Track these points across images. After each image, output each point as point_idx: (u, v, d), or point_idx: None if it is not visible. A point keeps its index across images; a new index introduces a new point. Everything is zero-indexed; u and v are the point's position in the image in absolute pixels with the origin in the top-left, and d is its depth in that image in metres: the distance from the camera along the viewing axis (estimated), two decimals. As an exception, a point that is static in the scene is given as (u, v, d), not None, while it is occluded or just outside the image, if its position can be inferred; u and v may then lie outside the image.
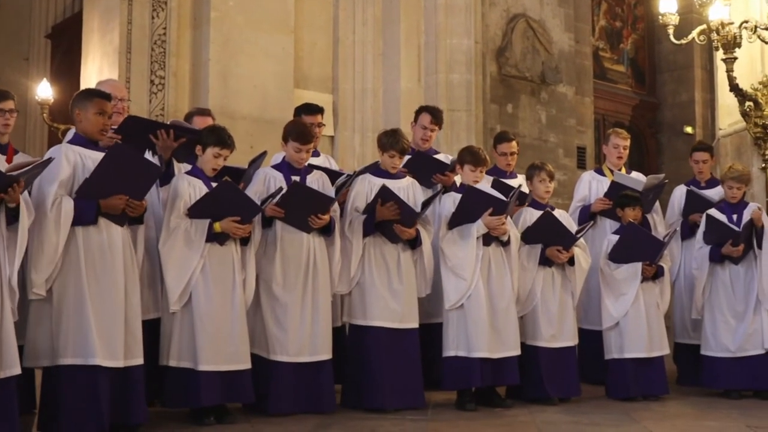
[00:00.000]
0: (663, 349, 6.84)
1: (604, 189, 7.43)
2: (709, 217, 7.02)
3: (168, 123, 5.98)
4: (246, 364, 5.52)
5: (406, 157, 6.60)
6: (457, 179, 6.73)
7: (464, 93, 9.80)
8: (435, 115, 7.05)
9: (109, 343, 4.89)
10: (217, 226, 5.43)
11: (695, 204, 7.37)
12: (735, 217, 6.98)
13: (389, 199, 6.03)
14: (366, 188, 6.20)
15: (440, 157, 7.03)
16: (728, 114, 8.44)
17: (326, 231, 5.97)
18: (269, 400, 5.72)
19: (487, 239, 6.24)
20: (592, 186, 7.59)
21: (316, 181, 6.04)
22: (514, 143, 7.25)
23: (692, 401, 6.72)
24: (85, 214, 4.93)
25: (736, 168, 7.17)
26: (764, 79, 7.84)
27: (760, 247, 6.90)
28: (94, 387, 4.85)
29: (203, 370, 5.34)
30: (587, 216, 7.41)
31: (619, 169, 7.55)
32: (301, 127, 6.10)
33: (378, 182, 6.19)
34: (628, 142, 7.66)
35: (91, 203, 4.94)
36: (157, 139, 5.64)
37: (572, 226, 6.76)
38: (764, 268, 6.87)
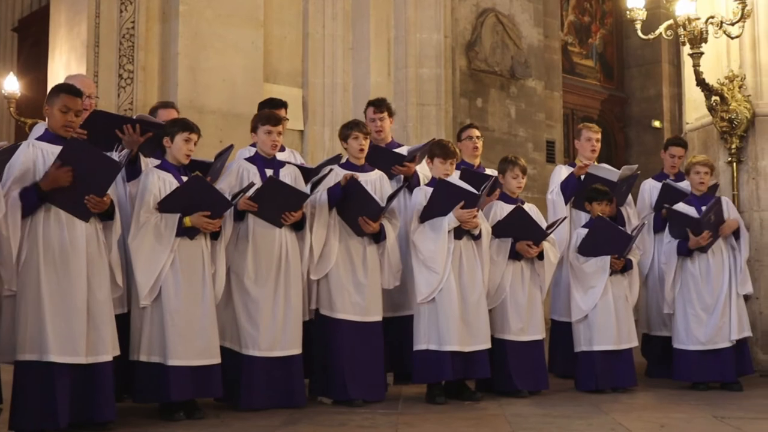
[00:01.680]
0: (632, 341, 6.89)
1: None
2: (670, 210, 7.09)
3: (134, 118, 5.94)
4: (216, 359, 5.51)
5: None
6: (419, 169, 6.75)
7: (434, 87, 9.81)
8: (376, 104, 7.02)
9: (67, 339, 4.88)
10: (187, 221, 5.42)
11: (671, 196, 7.39)
12: (704, 209, 7.03)
13: (356, 191, 6.03)
14: (334, 180, 6.19)
15: (402, 150, 7.02)
16: (695, 108, 8.48)
17: (298, 226, 5.96)
18: (241, 394, 5.72)
19: (459, 232, 6.26)
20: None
21: (288, 175, 6.04)
22: (475, 129, 7.28)
23: (660, 393, 6.78)
24: (28, 197, 4.89)
25: (700, 155, 7.27)
26: (730, 73, 7.89)
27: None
28: (50, 383, 4.83)
29: (172, 365, 5.33)
30: (574, 183, 7.38)
31: (593, 163, 7.58)
32: (267, 111, 6.19)
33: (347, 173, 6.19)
34: (599, 136, 7.71)
35: (31, 185, 4.92)
36: (124, 133, 5.61)
37: (542, 221, 6.79)
38: (741, 258, 7.02)
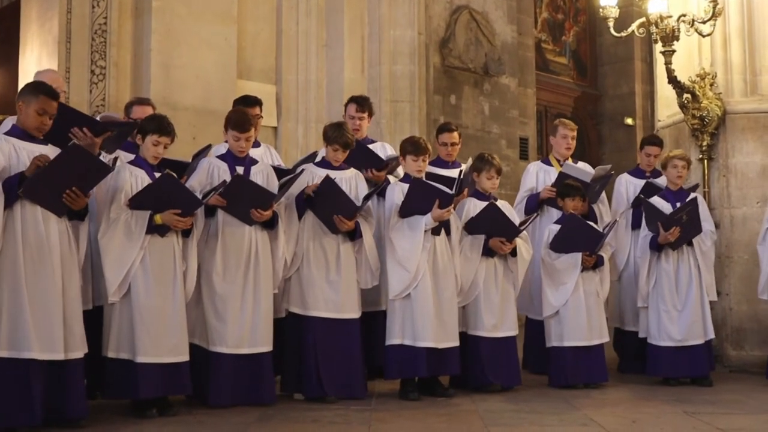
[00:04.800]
0: (602, 337, 6.91)
1: (552, 179, 7.46)
2: (645, 202, 7.12)
3: (98, 118, 5.85)
4: (184, 357, 5.50)
5: None
6: (400, 171, 6.75)
7: (408, 84, 9.82)
8: (360, 102, 7.01)
9: (45, 335, 4.85)
10: (158, 218, 5.40)
11: (651, 194, 7.40)
12: (679, 204, 7.07)
13: (332, 190, 6.03)
14: (308, 179, 6.20)
15: (377, 146, 7.04)
16: (667, 106, 8.54)
17: (270, 225, 5.94)
18: (209, 391, 5.71)
19: (436, 229, 6.28)
20: (539, 177, 7.63)
21: (260, 173, 6.02)
22: (455, 134, 7.20)
23: (632, 388, 6.82)
24: (11, 184, 4.85)
25: (677, 150, 7.32)
26: (701, 71, 7.95)
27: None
28: (26, 380, 4.81)
29: (141, 362, 5.31)
30: (535, 204, 7.44)
31: (566, 160, 7.61)
32: (239, 115, 6.07)
33: (321, 173, 6.19)
34: (575, 133, 7.74)
35: (14, 174, 4.88)
36: (76, 136, 5.43)
37: (515, 218, 6.80)
38: (705, 265, 7.06)
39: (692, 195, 7.21)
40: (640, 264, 7.21)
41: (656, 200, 7.17)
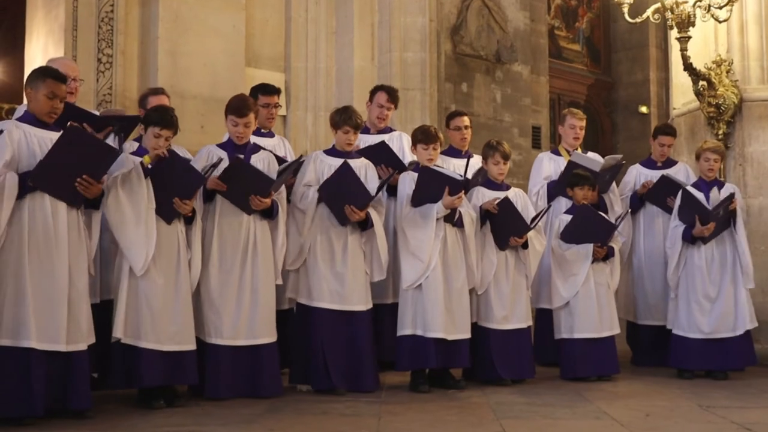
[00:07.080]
0: (613, 329, 6.83)
1: (561, 169, 7.39)
2: (686, 193, 6.96)
3: (99, 114, 5.80)
4: (189, 345, 5.44)
5: (364, 136, 6.54)
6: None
7: (418, 72, 9.71)
8: (391, 93, 6.99)
9: (47, 326, 4.81)
10: (147, 159, 5.30)
11: (668, 188, 7.28)
12: (711, 196, 6.94)
13: (348, 177, 5.93)
14: (319, 167, 6.13)
15: (395, 135, 6.98)
16: (682, 93, 8.47)
17: (269, 214, 5.87)
18: (206, 383, 5.65)
19: (449, 216, 6.20)
20: (551, 166, 7.55)
21: (261, 160, 5.95)
22: (465, 117, 7.16)
23: (645, 381, 6.74)
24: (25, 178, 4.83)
25: (711, 141, 7.20)
26: (717, 58, 7.87)
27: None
28: (26, 369, 4.76)
29: (145, 348, 5.26)
30: (557, 189, 7.35)
31: (576, 149, 7.52)
32: (237, 100, 5.99)
33: (333, 161, 6.12)
34: (584, 123, 7.64)
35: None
36: None
37: (529, 207, 6.72)
38: (742, 249, 6.88)
39: (728, 188, 7.05)
40: (669, 255, 7.07)
41: (691, 189, 6.99)
